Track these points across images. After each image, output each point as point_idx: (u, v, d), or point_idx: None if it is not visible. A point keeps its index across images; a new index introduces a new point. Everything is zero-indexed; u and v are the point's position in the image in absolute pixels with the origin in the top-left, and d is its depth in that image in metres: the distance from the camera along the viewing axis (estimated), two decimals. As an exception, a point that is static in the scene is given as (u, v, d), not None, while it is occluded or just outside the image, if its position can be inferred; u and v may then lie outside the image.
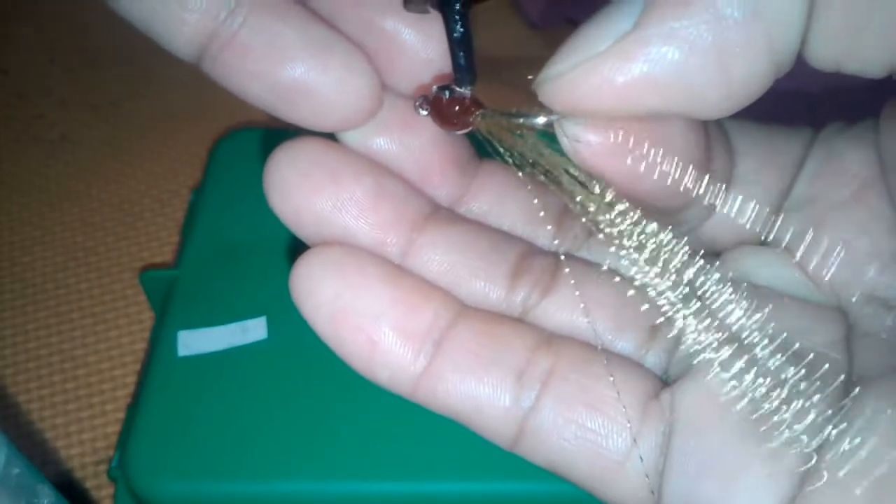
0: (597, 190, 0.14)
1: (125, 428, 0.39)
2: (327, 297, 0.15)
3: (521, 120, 0.15)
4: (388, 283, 0.15)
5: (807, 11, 0.11)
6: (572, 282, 0.16)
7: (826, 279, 0.15)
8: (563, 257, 0.16)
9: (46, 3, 0.70)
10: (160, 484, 0.36)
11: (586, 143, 0.13)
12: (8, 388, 0.46)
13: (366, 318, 0.15)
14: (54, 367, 0.47)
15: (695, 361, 0.14)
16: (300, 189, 0.15)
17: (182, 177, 0.55)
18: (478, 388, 0.15)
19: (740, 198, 0.15)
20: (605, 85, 0.12)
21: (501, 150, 0.15)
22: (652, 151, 0.13)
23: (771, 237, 0.15)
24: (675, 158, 0.14)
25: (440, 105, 0.15)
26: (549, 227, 0.17)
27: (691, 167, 0.14)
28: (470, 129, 0.16)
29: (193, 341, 0.40)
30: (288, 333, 0.41)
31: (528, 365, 0.14)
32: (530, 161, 0.15)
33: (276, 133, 0.52)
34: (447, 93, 0.16)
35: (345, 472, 0.36)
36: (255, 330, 0.41)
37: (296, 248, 0.45)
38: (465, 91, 0.16)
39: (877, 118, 0.15)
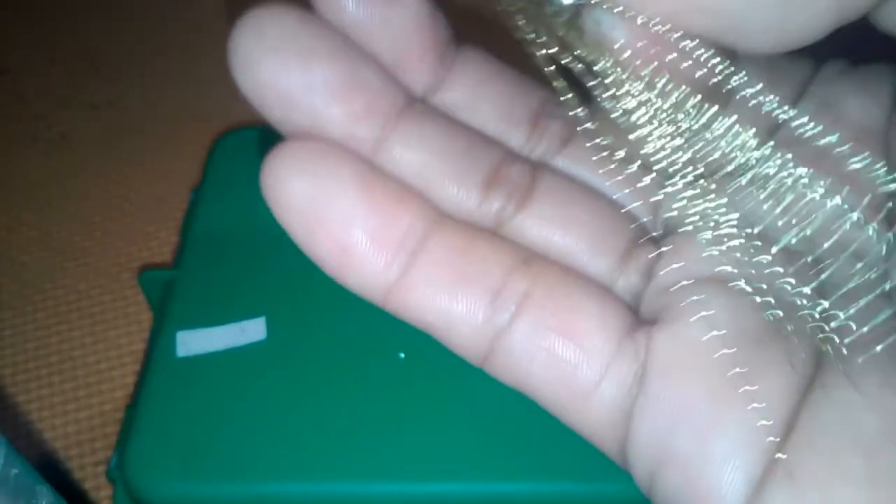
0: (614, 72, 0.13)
1: (124, 428, 0.38)
2: (299, 199, 0.14)
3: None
4: (362, 187, 0.14)
5: None
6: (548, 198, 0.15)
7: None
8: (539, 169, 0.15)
9: (46, 3, 0.70)
10: (159, 485, 0.36)
11: (613, 37, 0.13)
12: (6, 388, 0.46)
13: (339, 223, 0.14)
14: (52, 367, 0.46)
15: (682, 284, 0.13)
16: (267, 65, 0.13)
17: (181, 176, 0.55)
18: (451, 305, 0.14)
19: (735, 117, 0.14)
20: None
21: (519, 24, 0.14)
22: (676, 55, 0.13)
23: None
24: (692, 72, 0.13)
25: None
26: (523, 129, 0.16)
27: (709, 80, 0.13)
28: None
29: (192, 342, 0.40)
30: (287, 334, 0.40)
31: (504, 286, 0.14)
32: (546, 39, 0.14)
33: (275, 133, 0.51)
34: None
35: (344, 472, 0.36)
36: (254, 330, 0.41)
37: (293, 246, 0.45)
38: None
39: (882, 64, 0.15)
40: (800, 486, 0.11)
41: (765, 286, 0.13)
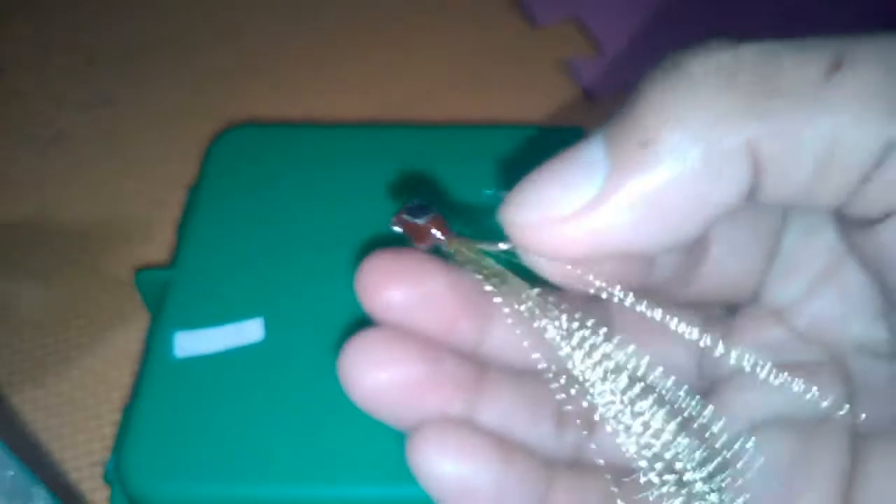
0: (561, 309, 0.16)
1: (121, 430, 0.38)
2: (450, 478, 0.17)
3: (486, 245, 0.17)
4: (503, 458, 0.17)
5: (751, 176, 0.13)
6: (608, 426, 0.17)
7: (817, 337, 0.16)
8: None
9: (43, 2, 0.70)
10: (156, 487, 0.36)
11: (547, 273, 0.15)
12: (1, 389, 0.45)
13: (488, 494, 0.17)
14: (48, 368, 0.46)
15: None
16: (372, 377, 0.17)
17: (178, 175, 0.55)
18: None
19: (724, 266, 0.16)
20: (565, 244, 0.14)
21: (464, 265, 0.17)
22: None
23: (759, 298, 0.17)
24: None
25: (409, 223, 0.17)
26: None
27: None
28: (434, 245, 0.17)
29: (190, 342, 0.40)
30: (285, 335, 0.40)
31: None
32: (492, 275, 0.17)
33: (272, 131, 0.51)
34: (415, 213, 0.18)
35: (342, 474, 0.36)
36: (251, 331, 0.40)
37: (292, 247, 0.45)
38: (429, 214, 0.18)
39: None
40: None
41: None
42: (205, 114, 0.58)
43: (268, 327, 0.41)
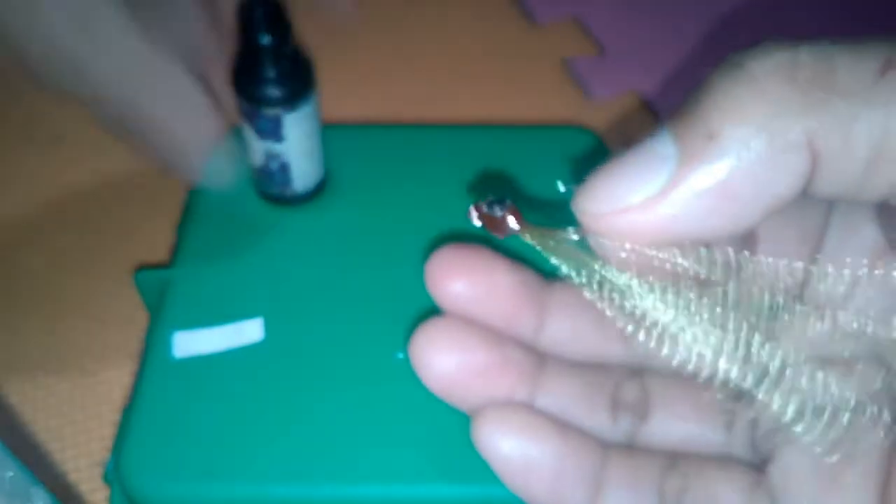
0: (633, 285, 0.16)
1: (120, 430, 0.38)
2: (511, 455, 0.18)
3: (558, 233, 0.18)
4: (557, 436, 0.18)
5: (808, 167, 0.14)
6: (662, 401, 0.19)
7: (859, 332, 0.17)
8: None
9: (42, 1, 0.70)
10: (156, 487, 0.36)
11: (616, 260, 0.16)
12: (1, 389, 0.45)
13: (549, 470, 0.18)
14: (48, 368, 0.46)
15: (777, 437, 0.17)
16: (442, 362, 0.18)
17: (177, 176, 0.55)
18: None
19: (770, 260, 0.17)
20: (636, 231, 0.15)
21: (544, 252, 0.18)
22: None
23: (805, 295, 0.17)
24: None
25: (488, 216, 0.18)
26: (618, 344, 0.20)
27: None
28: (513, 234, 0.18)
29: (189, 343, 0.40)
30: (284, 335, 0.40)
31: (666, 489, 0.18)
32: (569, 263, 0.18)
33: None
34: (493, 207, 0.19)
35: (341, 474, 0.36)
36: (251, 331, 0.40)
37: (291, 247, 0.45)
38: (505, 206, 0.19)
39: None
40: None
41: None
42: (204, 113, 0.58)
43: (267, 327, 0.40)
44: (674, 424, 0.19)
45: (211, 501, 0.36)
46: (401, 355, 0.39)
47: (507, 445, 0.18)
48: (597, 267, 0.17)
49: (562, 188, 0.17)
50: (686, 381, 0.18)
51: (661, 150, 0.15)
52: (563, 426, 0.18)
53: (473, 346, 0.18)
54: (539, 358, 0.19)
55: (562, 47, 0.64)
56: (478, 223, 0.18)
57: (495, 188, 0.45)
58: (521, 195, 0.45)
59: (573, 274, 0.17)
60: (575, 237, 0.17)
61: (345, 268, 0.43)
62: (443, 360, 0.18)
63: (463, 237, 0.47)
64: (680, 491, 0.17)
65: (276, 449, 0.36)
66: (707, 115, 0.14)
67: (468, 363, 0.18)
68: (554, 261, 0.17)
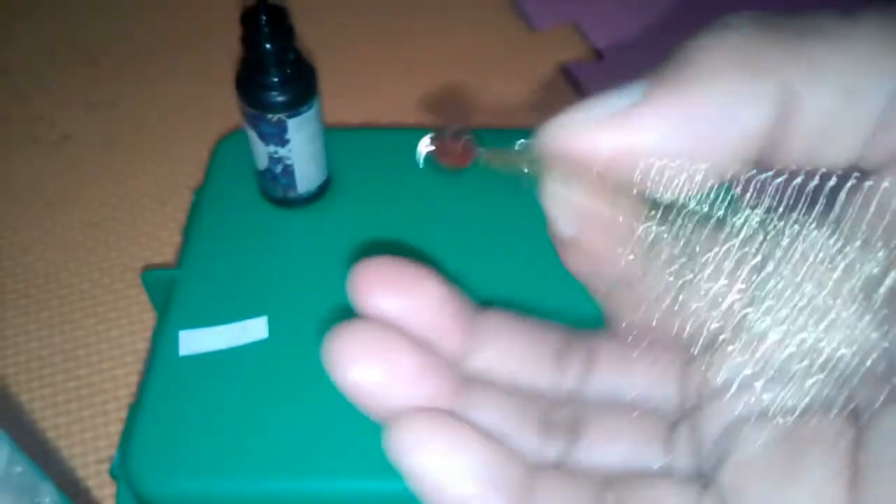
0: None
1: (127, 427, 0.39)
2: (430, 465, 0.17)
3: (521, 151, 0.16)
4: (479, 444, 0.17)
5: (779, 109, 0.14)
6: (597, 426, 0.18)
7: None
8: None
9: (46, 3, 0.70)
10: (162, 483, 0.36)
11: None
12: (10, 387, 0.46)
13: (469, 480, 0.17)
14: (56, 366, 0.47)
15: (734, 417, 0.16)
16: (358, 368, 0.17)
17: (183, 177, 0.55)
18: None
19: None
20: (596, 145, 0.15)
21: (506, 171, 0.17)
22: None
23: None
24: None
25: (443, 144, 0.17)
26: (548, 369, 0.19)
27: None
28: (470, 163, 0.17)
29: (195, 341, 0.40)
30: (289, 333, 0.41)
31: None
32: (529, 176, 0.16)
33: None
34: (449, 134, 0.17)
35: (345, 470, 0.36)
36: (255, 330, 0.41)
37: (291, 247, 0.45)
38: (463, 136, 0.17)
39: None
40: None
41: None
42: (210, 116, 0.59)
43: (271, 326, 0.41)
44: (608, 445, 0.17)
45: (216, 496, 0.37)
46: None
47: (426, 455, 0.16)
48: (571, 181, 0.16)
49: (521, 140, 0.16)
50: (621, 406, 0.17)
51: (632, 86, 0.15)
52: (486, 438, 0.17)
53: (398, 349, 0.17)
54: (465, 378, 0.18)
55: (560, 52, 0.65)
56: (425, 150, 0.17)
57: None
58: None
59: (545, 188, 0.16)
60: (533, 158, 0.16)
61: (347, 268, 0.44)
62: (363, 364, 0.17)
63: (463, 236, 0.48)
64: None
65: (281, 445, 0.37)
66: (681, 52, 0.14)
67: (392, 367, 0.17)
68: (524, 182, 0.16)
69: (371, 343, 0.17)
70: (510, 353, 0.18)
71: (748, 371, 0.16)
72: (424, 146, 0.17)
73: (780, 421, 0.15)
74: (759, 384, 0.16)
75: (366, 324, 0.17)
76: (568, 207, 0.16)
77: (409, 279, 0.17)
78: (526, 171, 0.16)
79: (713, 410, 0.16)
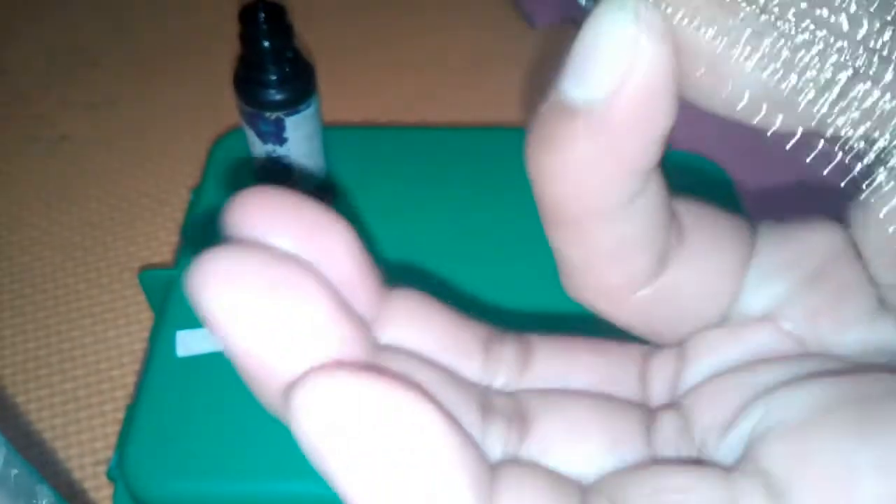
0: None
1: (124, 428, 0.39)
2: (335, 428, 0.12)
3: None
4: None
5: None
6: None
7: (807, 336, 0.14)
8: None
9: (46, 3, 0.70)
10: (159, 484, 0.36)
11: None
12: (6, 388, 0.46)
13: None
14: (53, 367, 0.47)
15: None
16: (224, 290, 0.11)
17: (181, 176, 0.55)
18: None
19: None
20: None
21: None
22: None
23: None
24: None
25: None
26: (477, 359, 0.15)
27: None
28: None
29: (192, 341, 0.40)
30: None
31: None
32: None
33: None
34: None
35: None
36: (253, 330, 0.41)
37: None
38: None
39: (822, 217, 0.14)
40: None
41: None
42: (208, 116, 0.59)
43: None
44: (570, 439, 0.14)
45: (213, 498, 0.36)
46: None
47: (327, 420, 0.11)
48: None
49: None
50: (575, 395, 0.15)
51: None
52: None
53: (297, 280, 0.11)
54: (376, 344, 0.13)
55: (559, 49, 0.65)
56: None
57: None
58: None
59: None
60: None
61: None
62: (243, 287, 0.11)
63: (463, 236, 0.47)
64: None
65: (279, 446, 0.37)
66: None
67: (284, 297, 0.11)
68: None
69: (259, 266, 0.11)
70: (430, 332, 0.14)
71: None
72: None
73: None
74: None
75: (253, 247, 0.11)
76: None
77: (310, 216, 0.12)
78: None
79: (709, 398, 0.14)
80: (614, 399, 0.15)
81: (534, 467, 0.14)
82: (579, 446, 0.14)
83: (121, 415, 0.44)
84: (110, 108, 0.62)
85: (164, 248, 0.52)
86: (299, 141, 0.43)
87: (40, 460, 0.43)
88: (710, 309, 0.15)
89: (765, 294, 0.15)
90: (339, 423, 0.10)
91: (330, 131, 0.46)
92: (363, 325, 0.13)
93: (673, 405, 0.15)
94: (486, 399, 0.14)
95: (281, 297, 0.11)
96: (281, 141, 0.42)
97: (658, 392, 0.15)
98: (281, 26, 0.40)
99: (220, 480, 0.36)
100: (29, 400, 0.45)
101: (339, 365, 0.11)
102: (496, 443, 0.14)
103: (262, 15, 0.39)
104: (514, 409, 0.14)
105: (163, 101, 0.62)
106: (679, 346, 0.15)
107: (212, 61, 0.63)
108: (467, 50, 0.65)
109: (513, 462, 0.14)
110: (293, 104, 0.41)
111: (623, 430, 0.14)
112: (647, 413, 0.15)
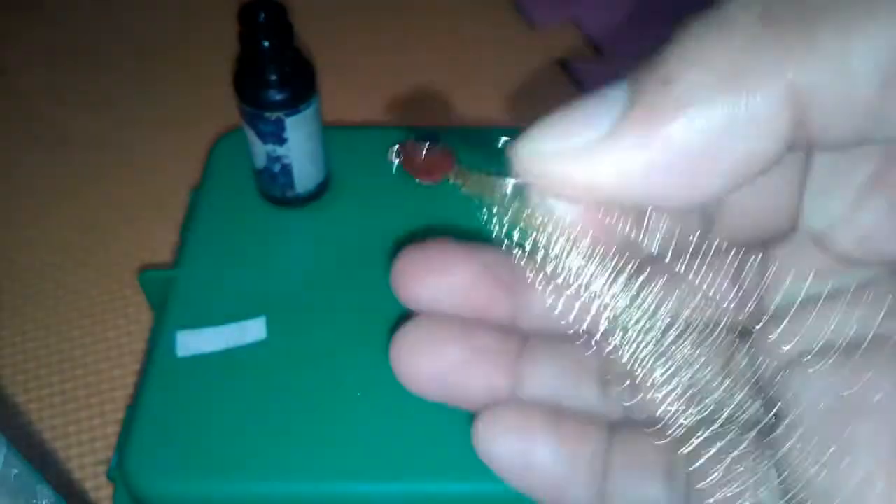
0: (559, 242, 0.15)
1: (124, 428, 0.38)
2: (512, 456, 0.18)
3: (494, 179, 0.16)
4: (552, 429, 0.18)
5: (792, 123, 0.12)
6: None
7: (865, 255, 0.14)
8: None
9: (46, 3, 0.70)
10: (159, 484, 0.36)
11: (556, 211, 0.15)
12: (6, 388, 0.46)
13: (549, 465, 0.18)
14: (53, 367, 0.46)
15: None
16: (415, 365, 0.18)
17: (181, 176, 0.55)
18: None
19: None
20: (574, 182, 0.13)
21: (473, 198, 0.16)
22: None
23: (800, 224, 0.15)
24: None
25: (412, 156, 0.17)
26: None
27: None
28: (440, 180, 0.17)
29: (192, 342, 0.40)
30: (287, 334, 0.41)
31: (675, 464, 0.17)
32: (499, 212, 0.16)
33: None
34: (421, 144, 0.17)
35: (342, 472, 0.36)
36: (254, 330, 0.41)
37: (291, 248, 0.45)
38: (437, 146, 0.17)
39: None
40: None
41: None
42: (208, 115, 0.58)
43: (270, 326, 0.41)
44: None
45: (213, 498, 0.36)
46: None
47: (504, 448, 0.17)
48: (531, 223, 0.15)
49: (503, 139, 0.14)
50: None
51: (615, 95, 0.12)
52: (556, 416, 0.18)
53: (444, 344, 0.18)
54: (520, 340, 0.19)
55: (560, 50, 0.65)
56: (395, 161, 0.17)
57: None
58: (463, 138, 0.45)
59: (505, 231, 0.15)
60: (512, 186, 0.15)
61: (346, 268, 0.44)
62: (416, 365, 0.18)
63: (463, 236, 0.48)
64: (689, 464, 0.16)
65: (279, 447, 0.37)
66: (667, 56, 0.12)
67: (442, 363, 0.18)
68: (486, 216, 0.15)
69: (423, 344, 0.18)
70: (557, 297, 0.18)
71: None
72: (393, 156, 0.16)
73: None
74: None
75: (416, 325, 0.18)
76: (562, 215, 0.14)
77: (439, 262, 0.18)
78: (500, 194, 0.15)
79: (771, 338, 0.15)
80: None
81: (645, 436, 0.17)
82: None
83: (121, 415, 0.44)
84: (110, 108, 0.62)
85: (164, 248, 0.52)
86: (299, 141, 0.43)
87: (40, 460, 0.43)
88: (770, 224, 0.15)
89: (824, 210, 0.15)
90: None
91: (330, 131, 0.46)
92: (500, 346, 0.18)
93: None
94: (605, 361, 0.18)
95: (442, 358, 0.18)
96: (281, 141, 0.42)
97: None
98: (281, 26, 0.40)
99: (220, 480, 0.36)
100: (29, 400, 0.45)
101: (495, 409, 0.18)
102: (614, 398, 0.18)
103: (262, 14, 0.39)
104: (627, 370, 0.17)
105: (163, 101, 0.62)
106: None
107: (212, 61, 0.63)
108: (467, 50, 0.65)
109: (627, 426, 0.17)
110: (293, 104, 0.41)
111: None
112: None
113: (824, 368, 0.14)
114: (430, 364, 0.18)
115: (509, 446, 0.17)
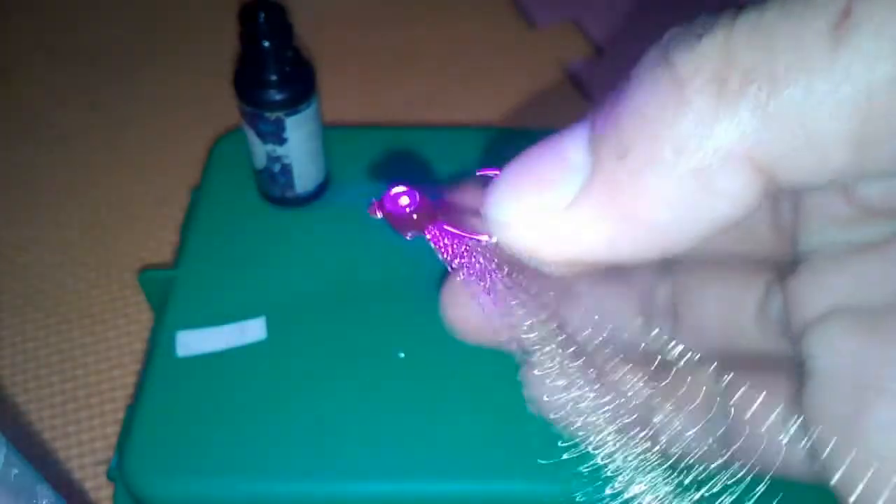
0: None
1: (124, 428, 0.38)
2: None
3: (469, 236, 0.16)
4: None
5: (755, 185, 0.12)
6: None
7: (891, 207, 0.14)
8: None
9: (45, 4, 0.70)
10: (159, 484, 0.36)
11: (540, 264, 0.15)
12: (6, 388, 0.46)
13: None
14: (53, 367, 0.46)
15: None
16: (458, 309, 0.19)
17: (181, 176, 0.55)
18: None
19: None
20: (545, 249, 0.14)
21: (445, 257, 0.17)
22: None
23: None
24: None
25: (389, 214, 0.17)
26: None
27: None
28: (417, 235, 0.17)
29: (192, 342, 0.40)
30: (287, 334, 0.41)
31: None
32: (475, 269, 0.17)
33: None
34: (394, 203, 0.17)
35: (342, 472, 0.36)
36: (254, 330, 0.41)
37: (291, 249, 0.45)
38: (410, 205, 0.17)
39: None
40: None
41: None
42: (208, 115, 0.58)
43: (270, 326, 0.41)
44: (706, 324, 0.17)
45: (213, 498, 0.36)
46: (402, 354, 0.40)
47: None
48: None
49: (478, 172, 0.15)
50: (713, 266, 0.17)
51: (575, 154, 0.13)
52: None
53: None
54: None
55: (560, 50, 0.65)
56: (378, 216, 0.17)
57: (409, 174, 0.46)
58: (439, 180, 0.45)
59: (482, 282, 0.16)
60: (490, 241, 0.15)
61: (347, 268, 0.44)
62: (467, 307, 0.18)
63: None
64: None
65: (279, 446, 0.37)
66: (622, 125, 0.12)
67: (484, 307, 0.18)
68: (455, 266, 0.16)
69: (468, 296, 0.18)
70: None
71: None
72: (372, 213, 0.17)
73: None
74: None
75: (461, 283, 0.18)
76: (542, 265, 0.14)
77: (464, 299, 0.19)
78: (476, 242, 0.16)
79: (794, 292, 0.15)
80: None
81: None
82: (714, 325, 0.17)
83: (121, 415, 0.44)
84: (110, 108, 0.62)
85: (163, 248, 0.52)
86: (299, 141, 0.43)
87: (40, 460, 0.43)
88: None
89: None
90: None
91: (330, 131, 0.46)
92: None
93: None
94: (645, 301, 0.18)
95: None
96: (281, 141, 0.42)
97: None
98: (281, 26, 0.40)
99: (220, 480, 0.36)
100: (29, 400, 0.45)
101: None
102: (654, 331, 0.18)
103: (262, 14, 0.39)
104: (669, 300, 0.18)
105: (163, 101, 0.62)
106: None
107: (212, 61, 0.63)
108: (467, 50, 0.65)
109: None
110: (293, 104, 0.41)
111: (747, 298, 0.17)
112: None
113: (845, 328, 0.14)
114: (476, 307, 0.18)
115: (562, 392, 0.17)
